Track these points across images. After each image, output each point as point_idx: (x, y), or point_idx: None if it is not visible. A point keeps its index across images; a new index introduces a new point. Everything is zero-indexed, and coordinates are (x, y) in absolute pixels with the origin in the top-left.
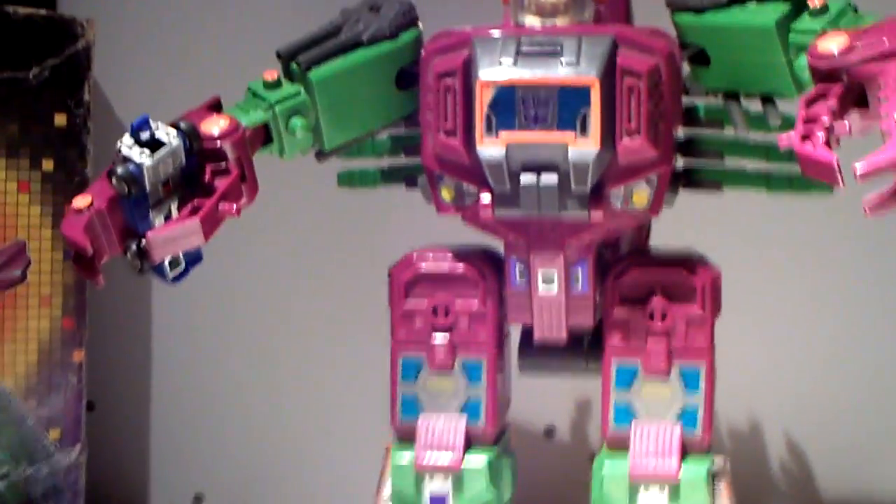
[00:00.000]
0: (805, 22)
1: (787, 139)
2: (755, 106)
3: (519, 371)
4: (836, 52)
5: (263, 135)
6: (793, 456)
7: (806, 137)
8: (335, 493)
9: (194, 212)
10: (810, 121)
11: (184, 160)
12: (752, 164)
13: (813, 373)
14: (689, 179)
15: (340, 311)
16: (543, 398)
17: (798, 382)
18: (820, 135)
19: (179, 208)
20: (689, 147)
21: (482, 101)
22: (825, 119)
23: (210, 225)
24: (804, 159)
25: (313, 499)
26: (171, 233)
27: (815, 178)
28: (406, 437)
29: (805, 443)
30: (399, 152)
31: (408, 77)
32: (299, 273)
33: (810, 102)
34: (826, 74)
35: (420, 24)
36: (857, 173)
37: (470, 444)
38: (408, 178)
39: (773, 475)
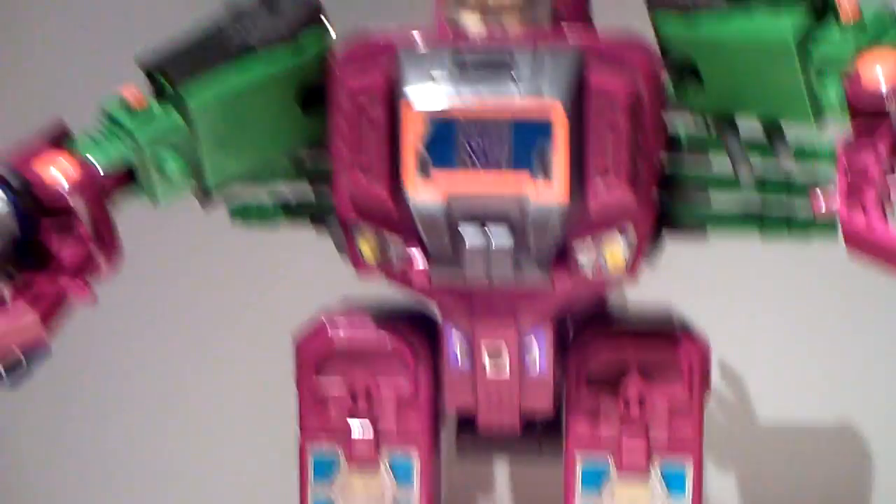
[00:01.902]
0: (833, 36)
1: (827, 203)
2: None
3: (457, 455)
4: (884, 83)
5: (125, 178)
6: None
7: (852, 202)
8: None
9: (33, 300)
10: (855, 176)
11: (16, 230)
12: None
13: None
14: (667, 225)
15: (232, 385)
16: (483, 487)
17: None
18: (872, 201)
19: (13, 291)
20: (665, 181)
21: (412, 134)
22: (876, 176)
23: (54, 317)
24: (853, 237)
25: None
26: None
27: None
28: None
29: None
30: (301, 178)
31: (313, 94)
32: (177, 329)
33: (851, 148)
34: (870, 107)
35: (328, 25)
36: None
37: None
38: (316, 216)
39: None
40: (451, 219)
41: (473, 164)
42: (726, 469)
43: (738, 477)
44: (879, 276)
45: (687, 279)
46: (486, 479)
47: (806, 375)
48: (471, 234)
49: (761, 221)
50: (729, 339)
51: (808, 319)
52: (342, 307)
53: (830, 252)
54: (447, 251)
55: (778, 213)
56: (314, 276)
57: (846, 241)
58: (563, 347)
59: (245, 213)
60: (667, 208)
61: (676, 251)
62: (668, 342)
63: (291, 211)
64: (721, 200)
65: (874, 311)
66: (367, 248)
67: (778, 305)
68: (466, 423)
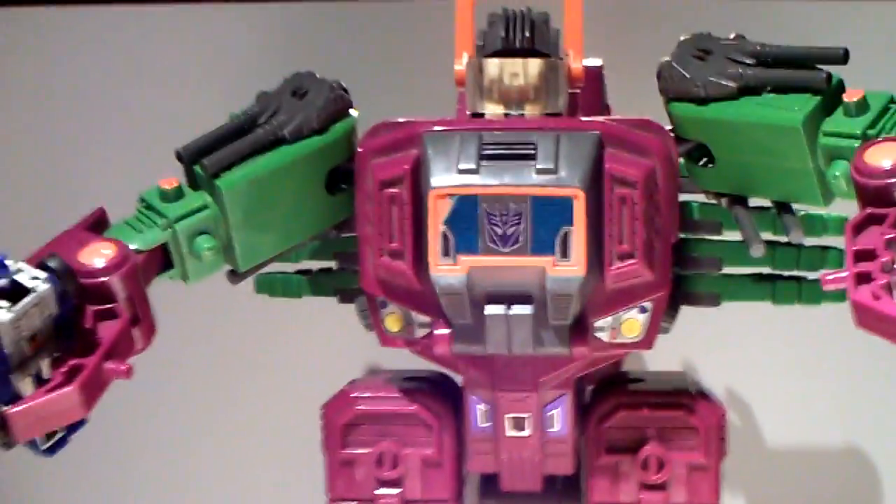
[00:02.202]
0: (840, 122)
1: (837, 281)
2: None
3: None
4: (889, 168)
5: (161, 259)
6: None
7: (862, 280)
8: None
9: (71, 376)
10: (863, 258)
11: (56, 310)
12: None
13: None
14: (681, 293)
15: (258, 452)
16: None
17: None
18: (882, 281)
19: (53, 367)
20: (679, 253)
21: (437, 215)
22: (885, 259)
23: (92, 393)
24: (863, 310)
25: None
26: (39, 407)
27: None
28: None
29: None
30: (328, 256)
31: (340, 176)
32: (201, 402)
33: (859, 229)
34: (876, 194)
35: (354, 112)
36: None
37: None
38: (341, 291)
39: None
40: (474, 295)
41: (495, 247)
42: (734, 495)
43: (746, 499)
44: None
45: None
46: None
47: (812, 399)
48: (492, 309)
49: (773, 290)
50: (735, 364)
51: (814, 342)
52: (367, 376)
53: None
54: (469, 324)
55: (789, 282)
56: (340, 342)
57: (856, 318)
58: (580, 406)
59: (271, 286)
60: (681, 281)
61: None
62: (684, 407)
63: (317, 285)
64: (735, 272)
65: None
66: (393, 323)
67: (784, 328)
68: (489, 483)
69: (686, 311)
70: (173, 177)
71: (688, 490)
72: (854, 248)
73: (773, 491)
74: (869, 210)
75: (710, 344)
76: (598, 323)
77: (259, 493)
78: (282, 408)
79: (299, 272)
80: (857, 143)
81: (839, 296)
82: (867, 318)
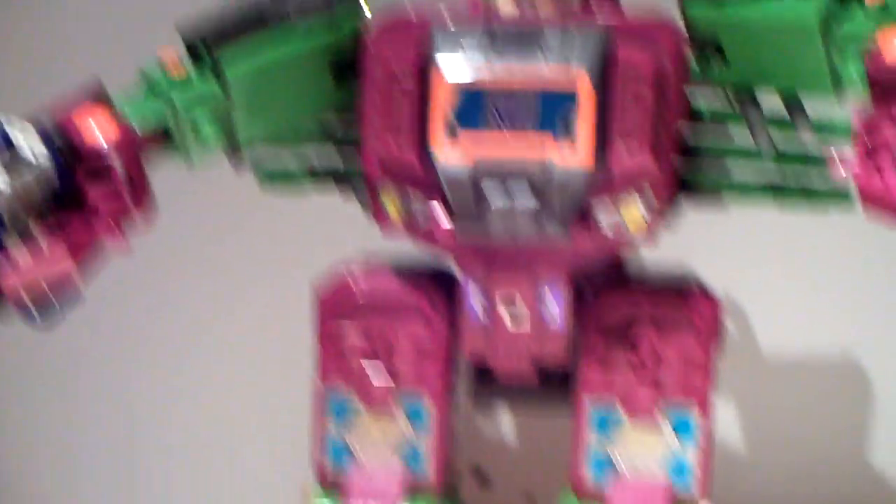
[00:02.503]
0: (856, 15)
1: (845, 169)
2: (769, 99)
3: (473, 406)
4: None
5: (161, 138)
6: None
7: (869, 165)
8: None
9: (67, 242)
10: (872, 141)
11: (56, 184)
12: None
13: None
14: (687, 192)
15: (254, 330)
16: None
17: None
18: (888, 163)
19: (47, 233)
20: (686, 150)
21: (442, 101)
22: (892, 141)
23: (87, 260)
24: (870, 197)
25: None
26: (34, 276)
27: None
28: (330, 486)
29: (802, 490)
30: (328, 141)
31: (346, 66)
32: (203, 282)
33: (869, 116)
34: (889, 87)
35: (363, 1)
36: None
37: (412, 497)
38: (341, 179)
39: None
40: (477, 180)
41: (499, 127)
42: (729, 405)
43: (741, 412)
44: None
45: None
46: (500, 429)
47: (809, 310)
48: (495, 195)
49: (778, 191)
50: (731, 274)
51: (811, 253)
52: (363, 261)
53: None
54: (471, 210)
55: (795, 183)
56: (338, 234)
57: (863, 202)
58: (579, 304)
59: (272, 178)
60: (686, 176)
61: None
62: (681, 297)
63: (317, 175)
64: (739, 170)
65: (878, 243)
66: (391, 206)
67: (780, 238)
68: (483, 376)
69: (689, 221)
70: (173, 50)
71: (680, 380)
72: (864, 140)
73: (766, 402)
74: (879, 94)
75: (713, 254)
76: (601, 214)
77: (254, 380)
78: (278, 296)
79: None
80: (871, 33)
81: (846, 197)
82: (873, 203)
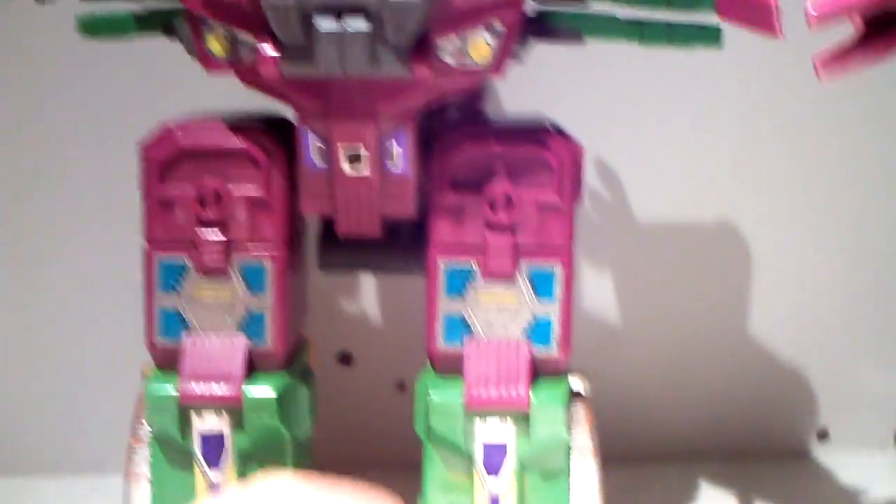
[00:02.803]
0: None
1: None
2: None
3: (319, 269)
4: None
5: None
6: (663, 375)
7: None
8: (81, 433)
9: None
10: None
11: None
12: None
13: (694, 285)
14: (540, 26)
15: (74, 197)
16: (333, 316)
17: (676, 294)
18: None
19: None
20: None
21: None
22: None
23: None
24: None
25: (54, 442)
26: None
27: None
28: (168, 363)
29: (679, 361)
30: None
31: None
32: (25, 150)
33: None
34: None
35: None
36: (810, 11)
37: (254, 369)
38: (168, 24)
39: (640, 397)
40: (304, 7)
41: None
42: (601, 269)
43: (613, 277)
44: (756, 73)
45: (562, 81)
46: (353, 287)
47: (686, 175)
48: (324, 22)
49: (641, 30)
50: (606, 138)
51: (688, 118)
52: (191, 115)
53: (713, 56)
54: (299, 40)
55: (659, 23)
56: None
57: (719, 5)
58: (429, 155)
59: (95, 26)
60: (542, 11)
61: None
62: (537, 141)
63: (142, 20)
64: (598, 3)
65: (759, 106)
66: (216, 44)
67: (658, 101)
68: (329, 233)
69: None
70: None
71: (537, 231)
72: None
73: (642, 271)
74: None
75: (586, 118)
76: (443, 43)
77: (68, 246)
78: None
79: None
80: None
81: (714, 38)
82: (730, 6)
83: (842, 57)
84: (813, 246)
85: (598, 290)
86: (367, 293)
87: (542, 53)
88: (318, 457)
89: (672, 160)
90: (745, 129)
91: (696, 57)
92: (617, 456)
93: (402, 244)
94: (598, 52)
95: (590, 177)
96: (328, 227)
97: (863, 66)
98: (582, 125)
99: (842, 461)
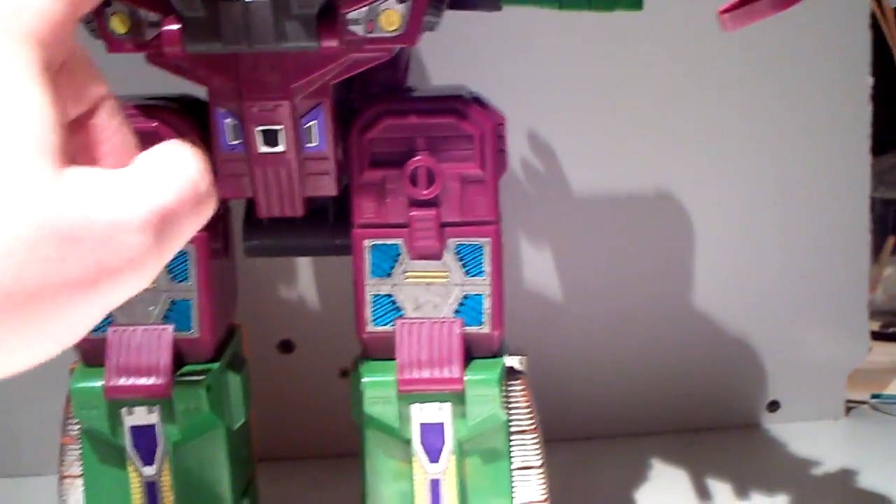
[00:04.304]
0: None
1: None
2: None
3: (245, 254)
4: None
5: None
6: (607, 350)
7: None
8: (12, 430)
9: None
10: None
11: None
12: None
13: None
14: None
15: None
16: (273, 303)
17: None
18: None
19: None
20: None
21: None
22: None
23: None
24: None
25: None
26: None
27: None
28: (94, 358)
29: (623, 335)
30: None
31: None
32: None
33: None
34: None
35: None
36: None
37: (182, 359)
38: None
39: (584, 373)
40: None
41: None
42: (538, 243)
43: (550, 251)
44: (690, 39)
45: (490, 52)
46: (292, 273)
47: (620, 143)
48: None
49: None
50: (537, 109)
51: (623, 91)
52: None
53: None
54: (202, 15)
55: None
56: None
57: None
58: (345, 128)
59: None
60: None
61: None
62: (456, 113)
63: None
64: None
65: (686, 72)
66: (118, 23)
67: (590, 70)
68: (253, 221)
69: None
70: None
71: (462, 205)
72: None
73: (581, 246)
74: None
75: (517, 93)
76: (352, 14)
77: None
78: None
79: None
80: None
81: (634, 1)
82: None
83: (746, 6)
84: (754, 217)
85: (536, 265)
86: (307, 279)
87: (467, 22)
88: (259, 446)
89: (606, 130)
90: (678, 96)
91: (628, 23)
92: (563, 435)
93: (327, 224)
94: (526, 20)
95: (522, 149)
96: (251, 210)
97: (767, 15)
98: (512, 96)
99: (793, 431)
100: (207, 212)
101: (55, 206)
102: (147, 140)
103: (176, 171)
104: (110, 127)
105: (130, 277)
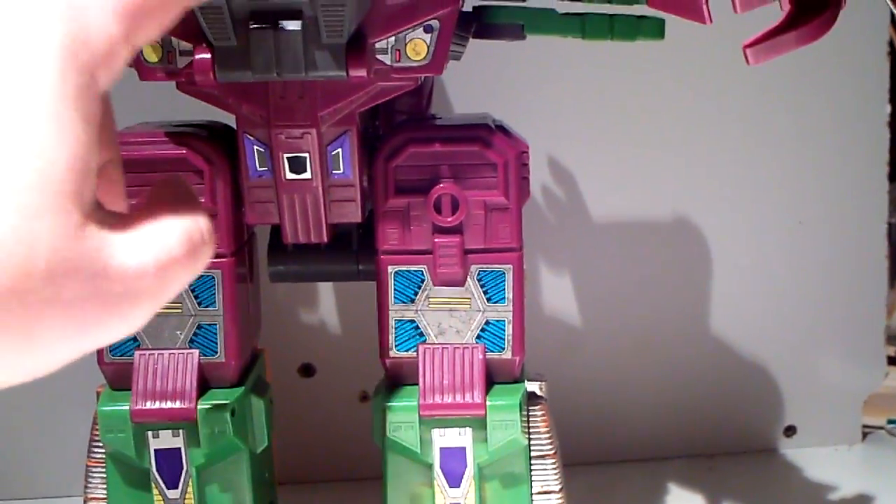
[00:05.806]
0: None
1: None
2: None
3: (270, 280)
4: None
5: None
6: (626, 375)
7: None
8: (39, 452)
9: None
10: None
11: None
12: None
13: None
14: (480, 24)
15: None
16: (295, 327)
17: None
18: None
19: None
20: None
21: None
22: None
23: None
24: None
25: (11, 462)
26: None
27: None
28: (121, 382)
29: (642, 360)
30: None
31: None
32: None
33: None
34: None
35: None
36: None
37: (207, 383)
38: None
39: (603, 398)
40: (235, 10)
41: None
42: (559, 270)
43: (571, 277)
44: (709, 67)
45: (512, 80)
46: (314, 298)
47: (641, 171)
48: (257, 24)
49: (583, 24)
50: (558, 136)
51: (644, 116)
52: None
53: (665, 51)
54: (233, 45)
55: (601, 16)
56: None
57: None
58: (370, 155)
59: None
60: (480, 7)
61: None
62: (480, 141)
63: None
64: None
65: (708, 100)
66: (150, 51)
67: (610, 100)
68: (279, 246)
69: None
70: None
71: (485, 232)
72: None
73: (603, 270)
74: None
75: (535, 118)
76: (380, 44)
77: None
78: None
79: None
80: None
81: (654, 26)
82: None
83: (770, 41)
84: (771, 242)
85: (557, 291)
86: (328, 304)
87: (491, 52)
88: (281, 469)
89: (627, 157)
90: (697, 123)
91: (649, 52)
92: (582, 459)
93: (351, 250)
94: (548, 50)
95: (543, 176)
96: (276, 236)
97: (791, 49)
98: (533, 123)
99: (809, 456)
100: (203, 261)
101: (72, 251)
102: (175, 166)
103: (171, 220)
104: (114, 177)
105: (117, 324)
